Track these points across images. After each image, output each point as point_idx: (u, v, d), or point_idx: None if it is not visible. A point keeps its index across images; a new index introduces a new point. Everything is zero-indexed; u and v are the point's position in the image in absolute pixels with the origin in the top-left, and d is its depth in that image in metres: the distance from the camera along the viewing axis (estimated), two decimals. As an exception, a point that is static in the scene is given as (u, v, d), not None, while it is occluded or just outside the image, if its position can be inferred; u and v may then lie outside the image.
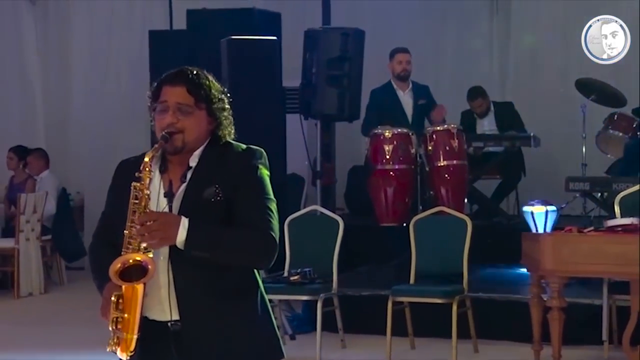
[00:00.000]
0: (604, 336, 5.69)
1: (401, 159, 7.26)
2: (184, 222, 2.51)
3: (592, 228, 5.44)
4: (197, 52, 7.57)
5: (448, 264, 5.87)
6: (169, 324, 2.60)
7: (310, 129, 8.01)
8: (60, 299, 8.19)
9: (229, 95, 2.73)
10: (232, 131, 2.70)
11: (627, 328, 5.31)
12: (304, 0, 9.33)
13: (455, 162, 7.30)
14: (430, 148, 7.31)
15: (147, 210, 2.55)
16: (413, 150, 7.34)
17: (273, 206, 2.62)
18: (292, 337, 6.31)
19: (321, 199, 7.58)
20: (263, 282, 2.75)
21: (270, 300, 2.77)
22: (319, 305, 5.74)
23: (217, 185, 2.58)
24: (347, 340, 6.09)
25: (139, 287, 2.51)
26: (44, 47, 10.17)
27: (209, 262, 2.54)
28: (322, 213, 6.27)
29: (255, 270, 2.68)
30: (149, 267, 2.50)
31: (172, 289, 2.58)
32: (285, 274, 5.91)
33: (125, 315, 2.52)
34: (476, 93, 8.27)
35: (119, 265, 2.51)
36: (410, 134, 7.34)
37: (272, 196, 2.64)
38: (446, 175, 7.28)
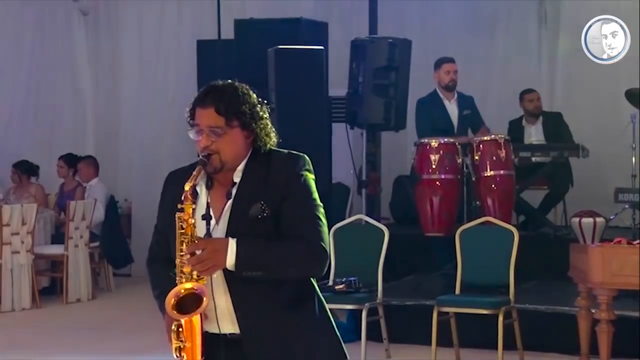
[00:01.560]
0: (653, 350, 5.60)
1: (447, 168, 7.23)
2: (232, 245, 2.52)
3: (641, 240, 5.36)
4: (245, 62, 7.63)
5: (494, 274, 5.83)
6: (228, 334, 2.62)
7: (356, 138, 8.02)
8: (107, 305, 8.27)
9: (274, 105, 2.74)
10: (273, 137, 2.67)
11: (678, 342, 5.22)
12: (351, 10, 9.36)
13: (502, 172, 7.24)
14: (477, 158, 7.27)
15: (195, 240, 2.55)
16: (459, 160, 7.30)
17: (321, 212, 2.62)
18: (337, 346, 6.31)
19: (366, 208, 7.58)
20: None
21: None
22: (364, 314, 5.73)
23: (262, 202, 2.58)
24: (392, 350, 6.07)
25: (196, 317, 2.56)
26: (94, 57, 10.33)
27: (263, 279, 2.55)
28: (367, 222, 6.27)
29: (310, 279, 2.69)
30: (203, 296, 2.52)
31: (230, 305, 2.59)
32: (331, 283, 5.92)
33: (187, 344, 2.57)
34: (530, 89, 8.25)
35: (173, 299, 2.52)
36: (456, 143, 7.31)
37: (319, 202, 2.63)
38: (493, 186, 7.22)
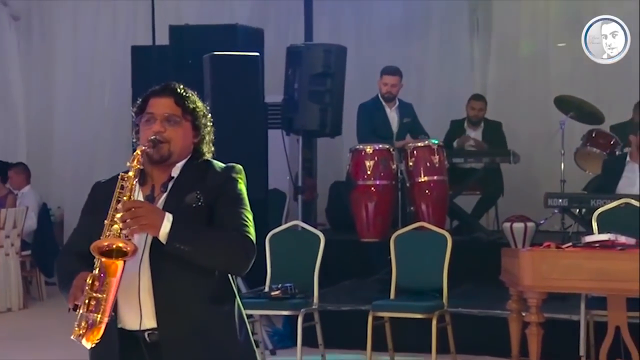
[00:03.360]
0: (582, 351, 5.73)
1: (382, 174, 7.30)
2: (168, 215, 2.56)
3: (570, 244, 5.47)
4: (180, 68, 7.59)
5: (428, 279, 5.90)
6: (146, 333, 2.62)
7: (292, 145, 8.04)
8: (39, 314, 8.14)
9: (210, 112, 2.81)
10: (212, 150, 2.78)
11: (604, 343, 5.35)
12: (287, 17, 9.39)
13: (435, 177, 7.34)
14: (411, 164, 7.36)
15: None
16: (394, 166, 7.38)
17: (250, 217, 2.68)
18: (273, 352, 6.32)
19: (302, 214, 7.60)
20: (242, 297, 2.79)
21: (250, 316, 2.81)
22: (300, 320, 5.75)
23: (197, 192, 2.63)
24: (328, 355, 6.10)
25: (119, 266, 2.49)
26: (26, 63, 10.17)
27: (190, 257, 2.55)
28: (303, 228, 6.30)
29: (232, 280, 2.72)
30: (129, 249, 2.47)
31: (151, 294, 2.59)
32: (266, 289, 5.92)
33: (100, 295, 2.48)
34: (480, 96, 8.39)
35: (106, 243, 2.48)
36: (391, 149, 7.38)
37: (249, 209, 2.70)
38: (427, 191, 7.32)
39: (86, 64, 9.92)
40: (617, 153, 7.47)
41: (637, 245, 5.21)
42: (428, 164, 7.34)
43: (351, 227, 7.49)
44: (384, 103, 7.77)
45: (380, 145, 7.35)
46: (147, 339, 2.63)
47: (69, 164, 9.83)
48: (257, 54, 7.27)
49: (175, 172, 2.70)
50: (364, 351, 5.77)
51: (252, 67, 7.15)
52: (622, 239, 5.19)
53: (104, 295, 2.48)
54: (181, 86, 2.76)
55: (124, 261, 2.50)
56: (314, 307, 5.91)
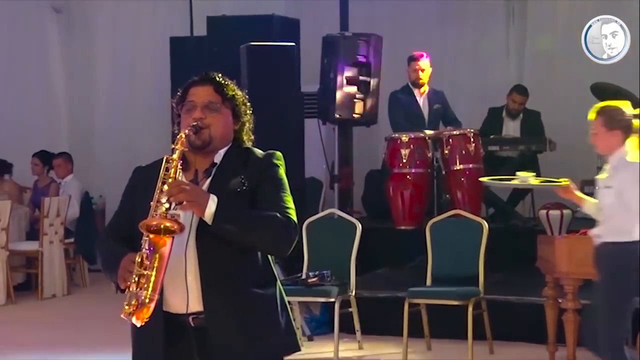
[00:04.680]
0: (619, 338, 5.67)
1: (418, 162, 7.28)
2: (213, 197, 2.57)
3: (606, 231, 5.42)
4: (217, 58, 7.62)
5: (464, 266, 5.87)
6: (191, 317, 2.63)
7: (328, 134, 8.04)
8: (82, 301, 8.25)
9: (249, 102, 2.82)
10: (252, 138, 2.80)
11: (642, 330, 5.30)
12: (322, 7, 9.36)
13: (471, 165, 7.30)
14: (446, 152, 7.32)
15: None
16: (429, 154, 7.35)
17: (291, 201, 2.70)
18: (310, 339, 6.34)
19: (339, 202, 7.60)
20: (282, 283, 2.80)
21: (288, 302, 2.80)
22: (337, 307, 5.76)
23: (242, 177, 2.65)
24: (364, 341, 6.10)
25: (167, 242, 2.50)
26: (68, 55, 10.27)
27: (235, 238, 2.57)
28: (339, 216, 6.30)
29: (272, 265, 2.74)
30: (176, 227, 2.48)
31: (197, 277, 2.60)
32: (304, 276, 5.94)
33: (149, 272, 2.49)
34: (524, 90, 8.23)
35: (155, 222, 2.49)
36: (426, 138, 7.34)
37: (289, 193, 2.72)
38: (462, 179, 7.29)
39: (126, 55, 9.99)
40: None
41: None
42: (463, 152, 7.30)
43: (387, 215, 7.48)
44: (414, 90, 7.73)
45: (416, 134, 7.32)
46: (192, 323, 2.64)
47: (110, 153, 9.91)
48: (293, 44, 7.27)
49: (217, 158, 2.71)
50: (400, 337, 5.76)
51: (289, 57, 7.15)
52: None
53: (153, 273, 2.49)
54: (220, 75, 2.78)
55: (172, 238, 2.51)
56: (350, 293, 5.91)
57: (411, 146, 7.28)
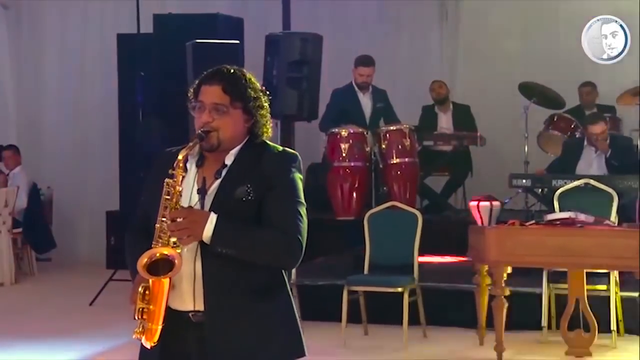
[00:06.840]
0: (544, 322, 5.80)
1: (357, 156, 7.31)
2: (212, 218, 2.46)
3: (533, 221, 5.53)
4: (164, 55, 7.55)
5: (400, 255, 5.93)
6: (191, 314, 2.54)
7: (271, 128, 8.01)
8: (30, 289, 8.12)
9: (267, 94, 2.66)
10: (269, 130, 2.63)
11: (565, 314, 5.43)
12: (265, 7, 9.33)
13: (407, 159, 7.37)
14: (384, 146, 7.37)
15: (178, 207, 2.49)
16: (368, 149, 7.39)
17: (303, 210, 2.58)
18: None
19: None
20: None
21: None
22: (279, 294, 5.75)
23: (249, 185, 2.52)
24: (305, 327, 6.01)
25: (165, 281, 2.47)
26: (16, 50, 10.06)
27: (235, 258, 2.49)
28: (281, 207, 6.29)
29: (282, 271, 2.63)
30: (176, 261, 2.45)
31: (200, 281, 2.52)
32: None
33: (151, 306, 2.48)
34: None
35: (146, 259, 2.46)
36: (365, 133, 7.38)
37: (302, 200, 2.59)
38: (398, 172, 7.35)
39: (74, 50, 9.83)
40: (577, 135, 7.53)
41: (595, 223, 5.27)
42: (400, 147, 7.37)
43: (327, 206, 7.50)
44: (357, 90, 7.77)
45: (355, 129, 7.35)
46: (192, 318, 2.55)
47: (59, 146, 9.75)
48: (237, 42, 7.23)
49: (228, 159, 2.57)
50: (339, 323, 5.80)
51: (233, 55, 7.10)
52: (582, 216, 5.25)
53: (154, 308, 2.48)
54: (232, 70, 2.62)
55: (170, 277, 2.47)
56: (292, 282, 5.90)
57: (350, 141, 7.32)
